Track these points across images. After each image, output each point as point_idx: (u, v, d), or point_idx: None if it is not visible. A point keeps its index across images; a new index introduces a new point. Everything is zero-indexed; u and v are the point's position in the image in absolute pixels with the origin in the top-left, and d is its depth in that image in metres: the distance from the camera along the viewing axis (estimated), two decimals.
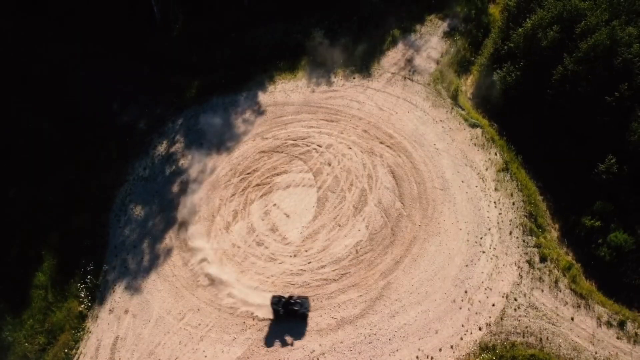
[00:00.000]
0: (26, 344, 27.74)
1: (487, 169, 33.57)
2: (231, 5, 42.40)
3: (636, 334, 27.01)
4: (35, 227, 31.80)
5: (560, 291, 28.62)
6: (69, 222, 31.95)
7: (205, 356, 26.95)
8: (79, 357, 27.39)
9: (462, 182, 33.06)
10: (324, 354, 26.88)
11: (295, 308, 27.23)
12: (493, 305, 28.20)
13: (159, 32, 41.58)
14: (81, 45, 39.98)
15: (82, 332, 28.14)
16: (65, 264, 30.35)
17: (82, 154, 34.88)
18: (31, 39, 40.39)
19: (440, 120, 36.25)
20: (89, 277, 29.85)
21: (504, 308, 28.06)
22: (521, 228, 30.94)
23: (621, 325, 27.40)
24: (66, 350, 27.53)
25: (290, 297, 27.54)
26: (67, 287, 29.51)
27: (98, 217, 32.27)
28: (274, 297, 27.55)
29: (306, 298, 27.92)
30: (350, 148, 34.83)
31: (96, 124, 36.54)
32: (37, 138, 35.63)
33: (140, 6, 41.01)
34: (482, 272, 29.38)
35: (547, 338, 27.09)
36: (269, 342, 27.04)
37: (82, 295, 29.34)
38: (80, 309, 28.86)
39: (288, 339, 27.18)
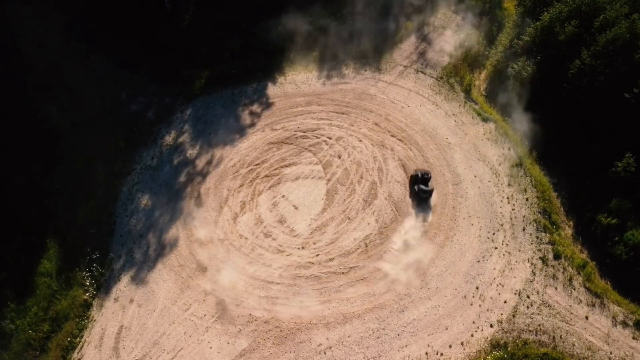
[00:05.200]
0: (30, 332, 27.40)
1: (500, 164, 32.92)
2: None
3: None
4: (42, 214, 31.47)
5: (574, 289, 27.94)
6: (76, 210, 31.63)
7: (211, 347, 26.52)
8: (83, 346, 27.05)
9: (475, 176, 32.43)
10: (331, 347, 26.37)
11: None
12: (505, 302, 27.57)
13: (169, 22, 41.18)
14: (91, 35, 39.67)
15: (86, 321, 27.80)
16: (71, 252, 29.98)
17: (90, 142, 34.56)
18: (41, 28, 40.14)
19: (453, 114, 35.62)
20: (94, 265, 29.50)
21: (516, 305, 27.43)
22: (534, 224, 30.27)
23: (637, 325, 26.70)
24: (70, 339, 27.19)
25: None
26: (72, 275, 29.15)
27: (105, 206, 31.92)
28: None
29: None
30: (360, 140, 34.29)
31: (105, 113, 36.25)
32: (46, 126, 35.35)
33: None
34: (494, 269, 28.75)
35: (561, 337, 26.42)
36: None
37: (88, 283, 28.98)
38: (85, 297, 28.52)
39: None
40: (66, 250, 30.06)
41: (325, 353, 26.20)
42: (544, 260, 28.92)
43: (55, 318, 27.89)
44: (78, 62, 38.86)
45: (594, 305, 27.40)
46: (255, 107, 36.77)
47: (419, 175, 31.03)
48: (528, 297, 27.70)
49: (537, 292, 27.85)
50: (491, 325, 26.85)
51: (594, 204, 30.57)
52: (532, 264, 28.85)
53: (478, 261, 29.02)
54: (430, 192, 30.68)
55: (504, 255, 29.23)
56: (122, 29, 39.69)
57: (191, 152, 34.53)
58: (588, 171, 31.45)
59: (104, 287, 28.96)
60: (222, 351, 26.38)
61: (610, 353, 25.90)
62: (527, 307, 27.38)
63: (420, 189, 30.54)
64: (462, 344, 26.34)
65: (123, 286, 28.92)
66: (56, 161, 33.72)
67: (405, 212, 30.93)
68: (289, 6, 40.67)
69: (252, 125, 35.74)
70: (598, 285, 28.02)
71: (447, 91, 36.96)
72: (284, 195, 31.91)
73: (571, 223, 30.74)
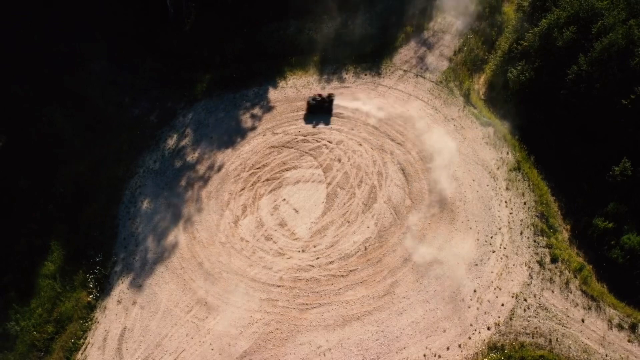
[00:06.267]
0: (34, 333, 27.83)
1: (498, 168, 33.28)
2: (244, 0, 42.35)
3: None
4: (46, 217, 31.89)
5: (571, 292, 28.29)
6: (79, 213, 32.03)
7: (212, 349, 26.92)
8: (86, 347, 27.47)
9: (473, 180, 32.79)
10: (330, 349, 26.76)
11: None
12: (502, 305, 27.93)
13: (171, 26, 41.62)
14: (94, 39, 40.09)
15: (90, 323, 28.22)
16: (75, 254, 30.39)
17: (93, 145, 34.99)
18: (45, 32, 40.53)
19: (452, 119, 35.99)
20: (97, 268, 29.92)
21: (513, 308, 27.78)
22: (532, 228, 30.62)
23: (633, 328, 27.03)
24: (74, 340, 27.61)
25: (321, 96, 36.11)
26: (76, 278, 29.57)
27: (108, 209, 32.34)
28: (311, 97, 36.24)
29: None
30: (360, 145, 34.67)
31: (107, 117, 36.68)
32: (49, 129, 35.77)
33: (153, 0, 41.06)
34: (492, 272, 29.11)
35: (557, 339, 26.78)
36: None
37: (91, 285, 29.41)
38: (88, 299, 28.94)
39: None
40: (69, 252, 30.47)
41: (324, 355, 26.59)
42: (541, 263, 29.28)
43: (59, 320, 28.32)
44: (81, 66, 39.27)
45: (590, 308, 27.75)
46: (257, 111, 37.18)
47: (316, 99, 35.87)
48: (525, 300, 28.06)
49: (534, 295, 28.21)
50: (488, 328, 27.22)
51: (591, 207, 30.87)
52: (529, 267, 29.21)
53: (476, 264, 29.39)
54: (332, 99, 36.13)
55: (501, 258, 29.60)
56: (125, 32, 40.15)
57: (193, 156, 34.95)
58: (585, 175, 31.77)
59: (107, 289, 29.37)
60: (223, 353, 26.78)
61: (606, 356, 26.25)
62: (524, 310, 27.74)
63: (328, 99, 35.99)
64: (459, 346, 26.71)
65: (126, 288, 29.34)
66: (59, 164, 34.14)
67: (403, 215, 31.34)
68: (290, 11, 41.11)
69: (254, 128, 36.16)
70: (594, 288, 28.36)
71: (446, 95, 37.34)
72: (284, 199, 32.31)
73: (568, 227, 31.08)
